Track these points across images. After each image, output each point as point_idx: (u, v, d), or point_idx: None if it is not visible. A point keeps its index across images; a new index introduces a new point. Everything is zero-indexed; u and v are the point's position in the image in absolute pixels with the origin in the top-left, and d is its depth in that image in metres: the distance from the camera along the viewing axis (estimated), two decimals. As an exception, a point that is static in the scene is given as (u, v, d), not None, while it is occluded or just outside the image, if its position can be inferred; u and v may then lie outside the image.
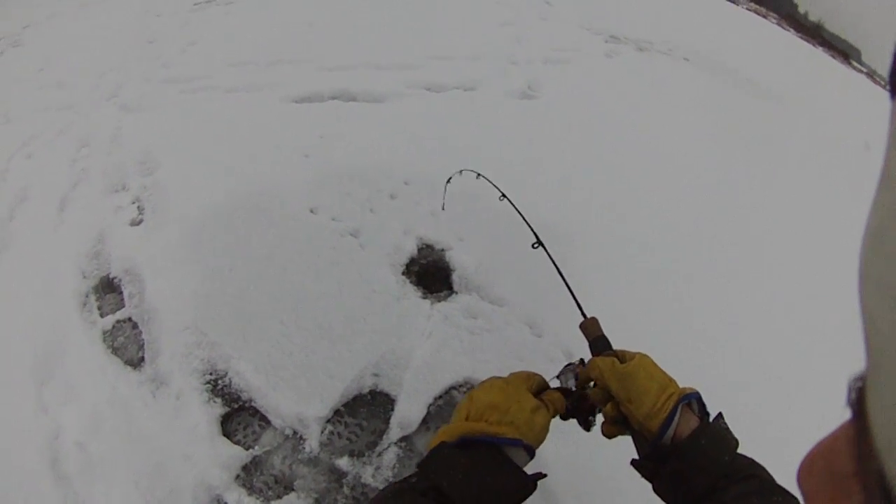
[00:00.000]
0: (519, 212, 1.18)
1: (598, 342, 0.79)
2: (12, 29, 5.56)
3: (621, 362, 0.69)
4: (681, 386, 0.68)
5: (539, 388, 0.70)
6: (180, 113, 3.00)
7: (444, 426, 0.63)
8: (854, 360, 0.20)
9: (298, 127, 2.71)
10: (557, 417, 0.71)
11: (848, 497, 0.21)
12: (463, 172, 1.69)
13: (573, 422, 0.75)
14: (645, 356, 0.71)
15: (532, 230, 1.09)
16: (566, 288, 0.95)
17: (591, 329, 0.81)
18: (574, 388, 0.75)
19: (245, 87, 3.22)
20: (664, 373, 0.68)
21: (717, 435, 0.62)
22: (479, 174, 1.57)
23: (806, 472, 0.25)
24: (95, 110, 3.24)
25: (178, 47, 4.02)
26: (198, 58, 3.79)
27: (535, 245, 1.06)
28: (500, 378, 0.68)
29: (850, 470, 0.20)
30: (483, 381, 0.68)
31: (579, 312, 0.88)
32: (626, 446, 0.72)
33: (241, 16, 4.71)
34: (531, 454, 0.63)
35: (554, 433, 0.68)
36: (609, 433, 0.70)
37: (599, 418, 0.74)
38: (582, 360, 0.79)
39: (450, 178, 1.79)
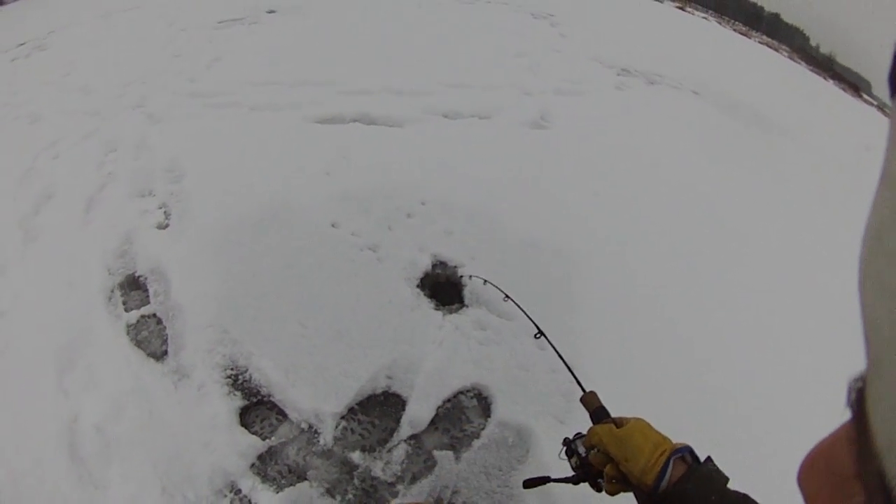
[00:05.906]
0: (523, 310, 1.32)
1: (598, 412, 0.87)
2: (38, 33, 5.74)
3: (618, 427, 0.78)
4: (675, 441, 0.75)
5: None
6: (206, 126, 3.14)
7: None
8: (854, 360, 0.21)
9: (320, 146, 2.86)
10: (570, 483, 0.82)
11: (848, 498, 0.21)
12: (472, 278, 1.97)
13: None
14: (640, 420, 0.79)
15: (534, 323, 1.18)
16: (565, 351, 1.06)
17: (590, 402, 0.89)
18: (584, 455, 0.83)
19: (268, 105, 3.38)
20: (658, 433, 0.76)
21: (703, 477, 0.66)
22: (486, 280, 1.76)
23: (806, 472, 0.25)
24: (122, 117, 3.37)
25: (204, 63, 4.19)
26: (222, 74, 3.97)
27: (538, 335, 1.14)
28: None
29: (851, 471, 0.20)
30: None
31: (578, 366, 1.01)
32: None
33: (264, 36, 4.91)
34: None
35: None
36: (611, 491, 0.78)
37: None
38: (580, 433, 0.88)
39: (461, 276, 2.10)
